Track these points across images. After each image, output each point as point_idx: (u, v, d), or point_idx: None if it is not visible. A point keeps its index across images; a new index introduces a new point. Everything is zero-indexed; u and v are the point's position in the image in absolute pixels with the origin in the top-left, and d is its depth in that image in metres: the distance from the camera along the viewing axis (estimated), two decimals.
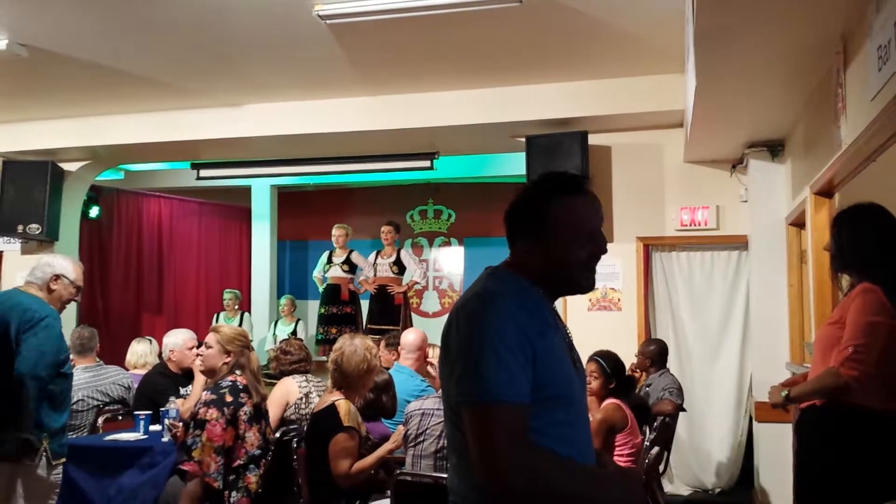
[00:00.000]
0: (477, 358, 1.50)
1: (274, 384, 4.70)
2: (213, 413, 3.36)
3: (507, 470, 1.46)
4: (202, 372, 3.84)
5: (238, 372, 3.56)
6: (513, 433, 1.48)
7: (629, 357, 5.27)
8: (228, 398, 3.42)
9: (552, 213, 1.65)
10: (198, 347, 4.80)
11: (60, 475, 3.65)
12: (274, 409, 4.16)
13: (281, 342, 4.91)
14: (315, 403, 4.20)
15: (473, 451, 1.50)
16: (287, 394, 4.33)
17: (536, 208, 1.67)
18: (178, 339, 4.96)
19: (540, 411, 1.54)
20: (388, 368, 4.48)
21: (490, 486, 1.48)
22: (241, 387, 3.50)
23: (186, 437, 3.40)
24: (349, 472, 3.38)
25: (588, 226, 1.68)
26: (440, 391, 3.55)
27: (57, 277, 3.71)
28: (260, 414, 3.55)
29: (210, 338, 3.66)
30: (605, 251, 1.70)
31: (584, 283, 1.70)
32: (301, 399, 4.31)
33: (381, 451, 3.52)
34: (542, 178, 1.74)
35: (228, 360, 3.58)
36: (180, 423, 3.90)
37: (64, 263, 3.79)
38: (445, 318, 1.54)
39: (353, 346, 3.65)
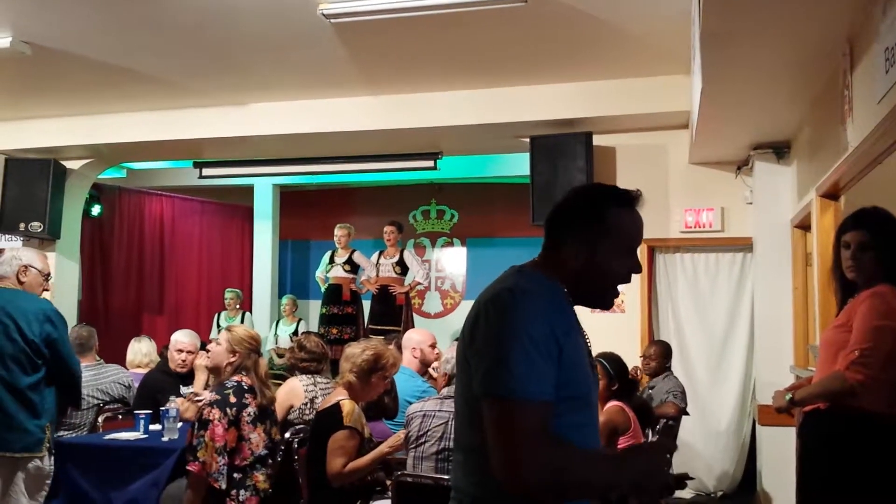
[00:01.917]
0: (506, 353, 1.49)
1: (279, 384, 4.65)
2: (215, 413, 3.34)
3: (527, 467, 1.45)
4: (208, 369, 3.83)
5: (243, 373, 3.53)
6: (535, 430, 1.47)
7: (632, 359, 5.24)
8: (232, 399, 3.40)
9: (610, 221, 1.67)
10: (202, 348, 4.82)
11: (52, 465, 3.73)
12: (277, 411, 4.12)
13: (301, 334, 4.87)
14: None
15: (493, 446, 1.48)
16: (292, 396, 4.24)
17: (597, 212, 1.67)
18: (173, 339, 4.94)
19: (560, 411, 1.53)
20: None
21: (509, 483, 1.47)
22: (245, 387, 3.48)
23: (192, 437, 3.38)
24: (342, 471, 3.36)
25: (634, 242, 1.71)
26: (442, 391, 3.54)
27: (25, 268, 3.77)
28: (266, 414, 3.53)
29: (221, 335, 3.66)
30: (640, 271, 1.73)
31: (609, 299, 1.73)
32: (306, 404, 4.21)
33: (376, 452, 3.49)
34: (601, 186, 1.75)
35: (233, 360, 3.55)
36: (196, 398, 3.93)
37: (29, 254, 3.86)
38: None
39: (368, 349, 3.64)
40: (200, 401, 3.77)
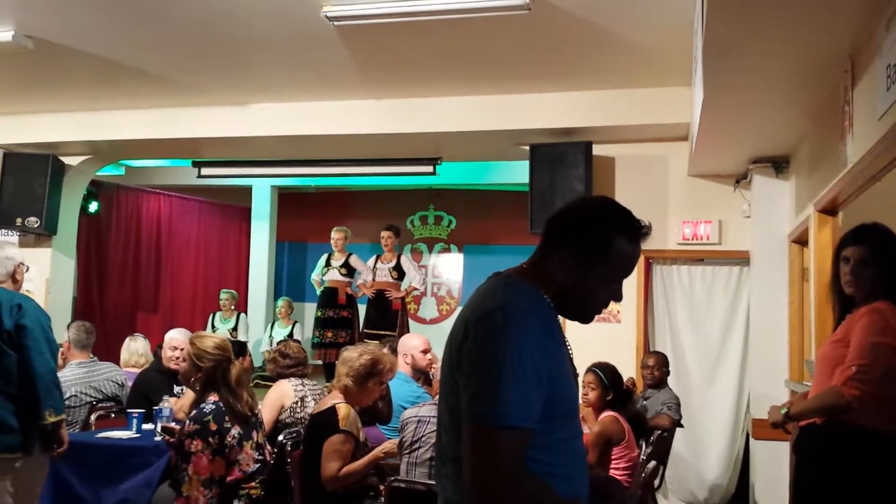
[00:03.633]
0: (496, 378, 1.47)
1: (269, 386, 4.67)
2: (197, 444, 3.17)
3: (500, 496, 1.46)
4: (180, 381, 3.70)
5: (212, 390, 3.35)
6: (514, 460, 1.47)
7: (628, 369, 5.23)
8: (213, 426, 3.21)
9: (613, 248, 1.62)
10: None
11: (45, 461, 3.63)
12: (269, 413, 4.13)
13: (279, 344, 4.88)
14: (310, 407, 4.17)
15: (469, 470, 1.48)
16: (282, 397, 4.30)
17: (604, 235, 1.63)
18: (167, 337, 4.92)
19: (550, 428, 1.54)
20: None
21: (478, 502, 1.48)
22: (224, 409, 3.29)
23: (176, 463, 3.27)
24: (337, 475, 3.35)
25: (626, 273, 1.68)
26: (436, 397, 3.53)
27: (19, 266, 3.74)
28: (250, 427, 3.37)
29: (187, 348, 3.44)
30: (619, 300, 1.71)
31: (589, 317, 1.71)
32: (296, 403, 4.27)
33: (370, 456, 3.49)
34: (614, 207, 1.69)
35: (199, 375, 3.36)
36: (174, 425, 3.82)
37: (17, 251, 3.83)
38: (442, 324, 1.51)
39: (365, 354, 3.63)
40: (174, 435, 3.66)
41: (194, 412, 3.30)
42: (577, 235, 1.64)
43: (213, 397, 3.32)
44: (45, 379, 3.47)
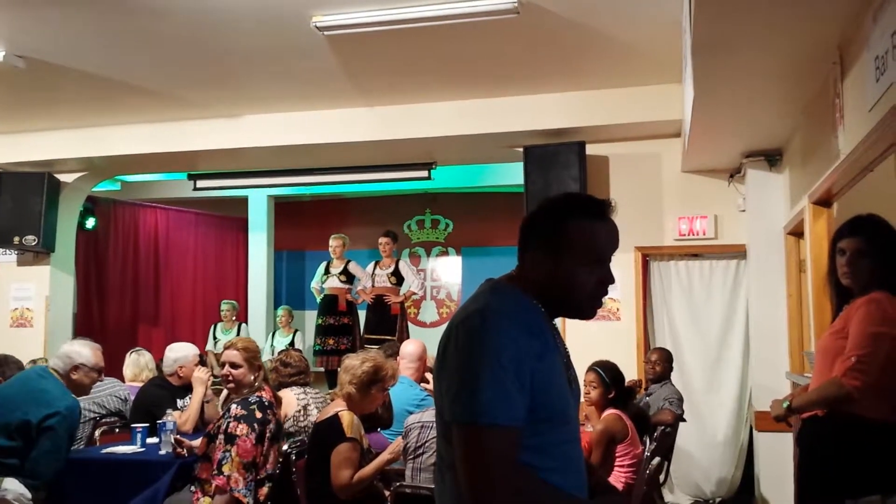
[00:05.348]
0: (473, 378, 1.48)
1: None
2: (243, 429, 3.31)
3: (492, 493, 1.46)
4: (230, 390, 3.70)
5: (264, 385, 3.55)
6: (502, 457, 1.47)
7: (628, 366, 5.25)
8: (258, 414, 3.38)
9: (569, 232, 1.62)
10: (200, 360, 4.80)
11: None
12: None
13: (280, 353, 4.88)
14: (313, 416, 4.18)
15: (461, 472, 1.49)
16: (286, 406, 4.29)
17: (555, 223, 1.64)
18: (187, 354, 4.90)
19: (539, 431, 1.54)
20: None
21: None
22: (266, 403, 3.46)
23: (217, 451, 3.32)
24: (350, 483, 3.36)
25: (601, 252, 1.65)
26: None
27: (76, 367, 3.87)
28: (279, 431, 3.52)
29: (234, 356, 3.54)
30: (612, 281, 1.67)
31: (586, 309, 1.68)
32: (299, 411, 4.28)
33: (378, 460, 3.50)
34: (567, 196, 1.73)
35: (259, 374, 3.56)
36: (188, 441, 3.85)
37: (82, 351, 3.95)
38: (443, 328, 1.52)
39: (367, 361, 3.64)
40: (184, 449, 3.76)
41: (240, 400, 3.46)
42: (533, 231, 1.67)
43: (258, 392, 3.49)
44: (45, 480, 3.71)
